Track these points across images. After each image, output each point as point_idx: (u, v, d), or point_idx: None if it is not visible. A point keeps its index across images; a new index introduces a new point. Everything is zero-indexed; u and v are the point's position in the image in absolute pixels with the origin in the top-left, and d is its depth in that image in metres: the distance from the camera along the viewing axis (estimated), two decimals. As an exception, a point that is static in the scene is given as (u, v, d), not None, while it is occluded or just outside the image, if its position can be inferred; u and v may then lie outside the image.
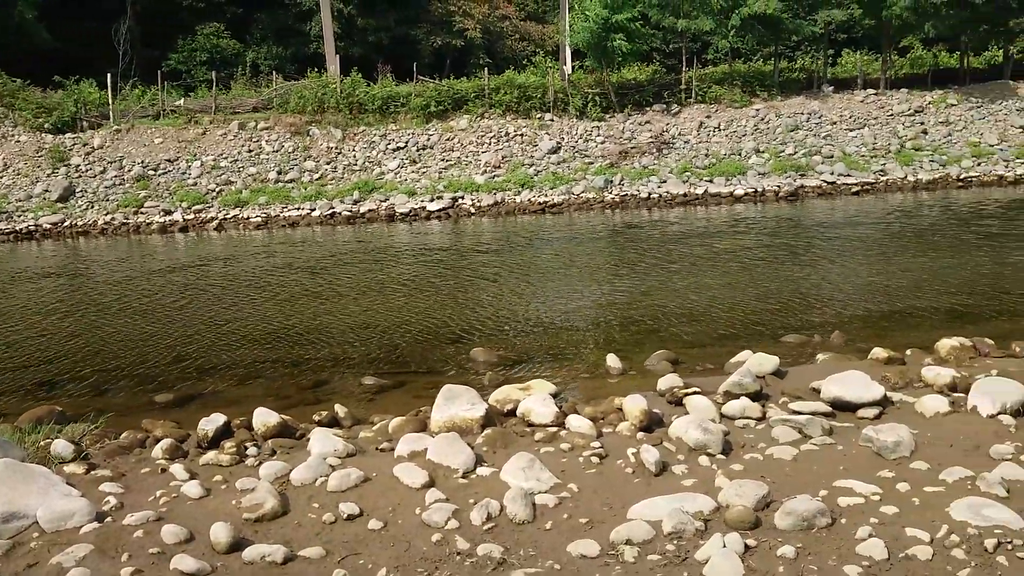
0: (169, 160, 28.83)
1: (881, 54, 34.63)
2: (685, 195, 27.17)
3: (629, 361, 9.45)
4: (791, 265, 15.72)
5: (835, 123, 30.92)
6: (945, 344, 9.01)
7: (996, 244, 17.25)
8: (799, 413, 7.34)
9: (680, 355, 9.77)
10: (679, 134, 30.83)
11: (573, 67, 33.77)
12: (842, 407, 7.44)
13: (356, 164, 29.52)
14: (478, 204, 27.09)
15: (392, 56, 45.79)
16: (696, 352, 9.96)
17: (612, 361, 9.35)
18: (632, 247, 19.21)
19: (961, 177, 27.67)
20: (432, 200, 27.15)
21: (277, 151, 29.68)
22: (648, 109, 32.21)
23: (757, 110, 31.58)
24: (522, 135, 30.90)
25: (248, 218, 26.19)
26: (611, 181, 27.99)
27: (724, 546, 4.79)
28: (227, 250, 21.91)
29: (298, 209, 26.75)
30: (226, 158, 29.11)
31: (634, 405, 7.23)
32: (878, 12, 31.91)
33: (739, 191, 27.11)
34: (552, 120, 31.62)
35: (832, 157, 29.01)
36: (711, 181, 27.81)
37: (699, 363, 9.35)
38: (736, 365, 8.99)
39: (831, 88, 32.64)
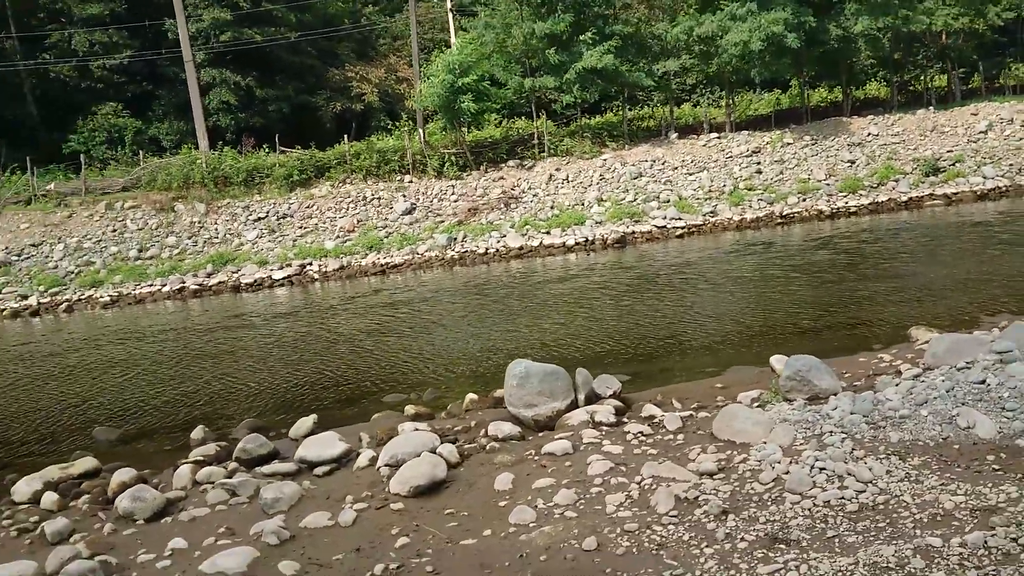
0: (33, 245, 30.05)
1: (724, 98, 36.24)
2: (521, 248, 28.46)
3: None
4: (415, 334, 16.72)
5: (676, 168, 32.36)
6: (468, 398, 10.20)
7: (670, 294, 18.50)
8: (265, 476, 8.49)
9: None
10: (529, 188, 32.20)
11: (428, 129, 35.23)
12: (310, 466, 8.60)
13: (217, 237, 30.78)
14: (324, 269, 28.32)
15: (296, 124, 47.41)
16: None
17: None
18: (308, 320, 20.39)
19: (783, 213, 29.05)
20: (280, 268, 28.38)
21: (141, 229, 30.93)
22: (503, 165, 33.62)
23: (604, 160, 33.03)
24: (379, 198, 32.23)
25: (98, 298, 27.27)
26: (455, 238, 29.27)
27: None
28: (43, 332, 23.07)
29: (150, 285, 27.89)
30: (90, 239, 30.35)
31: (116, 479, 8.38)
32: (708, 62, 33.56)
33: (570, 241, 28.41)
34: (411, 182, 32.99)
35: (668, 202, 30.39)
36: (548, 233, 29.12)
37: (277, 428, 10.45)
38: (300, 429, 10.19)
39: (675, 135, 34.15)
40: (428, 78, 33.07)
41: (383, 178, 33.31)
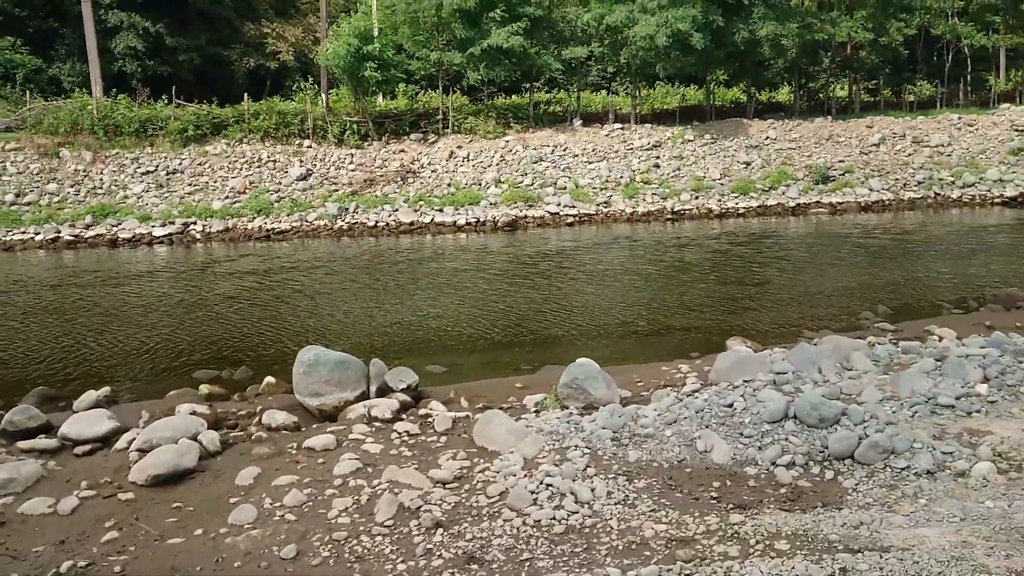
0: (-101, 182, 28.60)
1: (630, 91, 36.33)
2: (412, 224, 28.17)
3: None
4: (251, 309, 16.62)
5: (577, 156, 32.32)
6: (266, 381, 9.96)
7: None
8: (23, 452, 8.10)
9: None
10: (428, 163, 31.84)
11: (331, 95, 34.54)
12: (73, 443, 8.24)
13: (101, 188, 29.73)
14: (207, 230, 27.60)
15: (207, 77, 46.06)
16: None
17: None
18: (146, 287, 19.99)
19: (675, 210, 29.27)
20: (163, 226, 27.56)
21: (21, 172, 29.71)
22: (406, 138, 33.18)
23: (507, 141, 32.82)
24: (275, 161, 31.52)
25: (-43, 243, 26.14)
26: (346, 209, 28.79)
27: None
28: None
29: (22, 232, 26.84)
30: (-38, 180, 29.00)
31: None
32: (617, 52, 33.56)
33: (461, 221, 28.21)
34: (309, 147, 32.32)
35: (564, 188, 30.35)
36: (440, 211, 28.86)
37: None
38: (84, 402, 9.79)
39: (580, 122, 34.10)
40: (336, 38, 32.41)
41: (281, 141, 32.59)
